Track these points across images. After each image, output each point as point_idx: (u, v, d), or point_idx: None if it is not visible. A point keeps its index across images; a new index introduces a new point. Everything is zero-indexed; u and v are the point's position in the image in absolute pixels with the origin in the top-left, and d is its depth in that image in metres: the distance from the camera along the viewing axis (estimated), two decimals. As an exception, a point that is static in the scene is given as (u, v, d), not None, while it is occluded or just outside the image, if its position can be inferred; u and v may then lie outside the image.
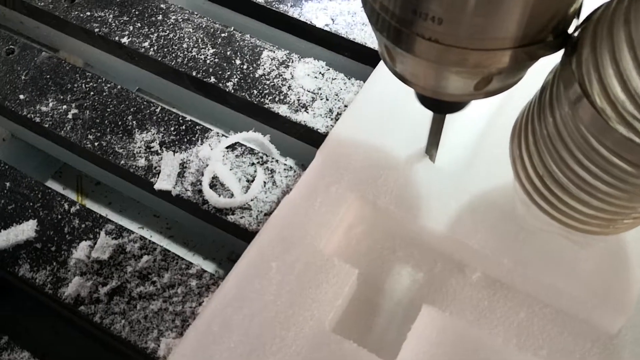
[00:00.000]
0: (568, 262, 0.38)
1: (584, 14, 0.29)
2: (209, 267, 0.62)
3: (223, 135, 0.53)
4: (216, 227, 0.51)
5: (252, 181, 0.50)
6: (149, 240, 0.48)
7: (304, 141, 0.55)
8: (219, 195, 0.49)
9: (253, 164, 0.51)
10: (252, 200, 0.49)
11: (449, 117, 0.38)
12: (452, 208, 0.40)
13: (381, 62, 0.49)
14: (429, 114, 0.40)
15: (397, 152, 0.43)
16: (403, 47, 0.29)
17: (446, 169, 0.42)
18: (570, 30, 0.29)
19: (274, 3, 0.63)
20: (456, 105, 0.35)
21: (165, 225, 0.66)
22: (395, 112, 0.45)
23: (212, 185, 0.50)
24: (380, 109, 0.45)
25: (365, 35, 0.60)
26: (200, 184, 0.50)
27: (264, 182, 0.50)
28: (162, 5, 0.63)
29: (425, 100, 0.35)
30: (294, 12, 0.62)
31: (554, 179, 0.32)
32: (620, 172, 0.28)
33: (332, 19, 0.61)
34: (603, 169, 0.29)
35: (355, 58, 0.61)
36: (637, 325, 0.37)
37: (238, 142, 0.53)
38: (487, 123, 0.44)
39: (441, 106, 0.36)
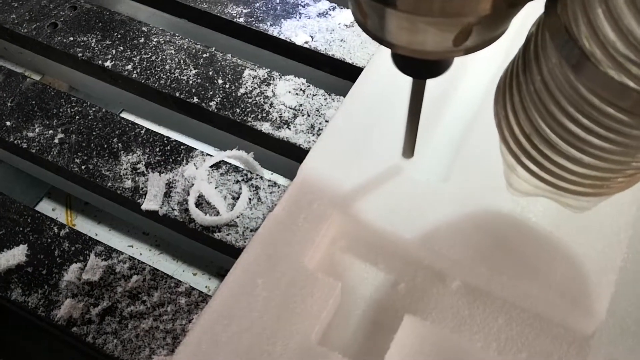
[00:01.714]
0: (543, 269, 0.39)
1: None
2: (200, 282, 0.63)
3: (207, 154, 0.55)
4: (204, 245, 0.52)
5: (238, 198, 0.51)
6: (138, 260, 0.49)
7: (287, 157, 0.56)
8: (205, 214, 0.50)
9: (238, 181, 0.53)
10: (237, 217, 0.50)
11: (426, 129, 0.39)
12: (431, 219, 0.42)
13: (361, 77, 0.50)
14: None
15: (377, 166, 0.44)
16: (381, 1, 0.27)
17: (425, 181, 0.43)
18: None
19: (253, 22, 0.64)
20: (435, 67, 0.33)
21: (154, 243, 0.67)
22: (375, 126, 0.46)
23: (198, 204, 0.51)
24: (361, 123, 0.47)
25: (344, 51, 0.62)
26: (187, 203, 0.51)
27: (249, 199, 0.52)
28: (143, 29, 0.64)
29: (403, 63, 0.33)
30: (273, 31, 0.63)
31: (542, 137, 0.30)
32: (613, 122, 0.26)
33: (311, 36, 0.63)
34: (595, 120, 0.27)
35: (335, 74, 0.62)
36: (612, 326, 0.39)
37: (223, 161, 0.54)
38: (465, 134, 0.46)
39: (420, 69, 0.33)
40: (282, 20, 0.64)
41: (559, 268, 0.39)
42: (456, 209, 0.42)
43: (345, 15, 0.64)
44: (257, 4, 0.66)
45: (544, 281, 0.39)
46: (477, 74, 0.49)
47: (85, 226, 0.68)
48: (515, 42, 0.34)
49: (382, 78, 0.49)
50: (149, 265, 0.49)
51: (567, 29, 0.26)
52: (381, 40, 0.31)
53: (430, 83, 0.35)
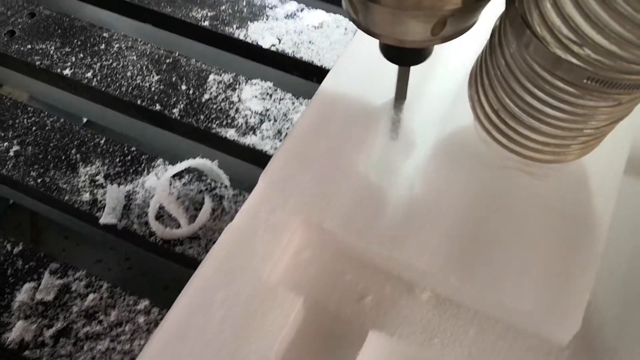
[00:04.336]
0: (515, 277, 0.37)
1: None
2: (172, 297, 0.61)
3: (170, 163, 0.52)
4: (166, 259, 0.50)
5: (200, 209, 0.49)
6: (96, 277, 0.47)
7: (253, 164, 0.54)
8: (165, 227, 0.48)
9: (201, 191, 0.50)
10: (200, 229, 0.48)
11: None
12: (399, 228, 0.40)
13: (326, 79, 0.48)
14: (376, 132, 0.43)
15: (343, 172, 0.42)
16: None
17: (392, 189, 0.41)
18: None
19: (219, 25, 0.62)
20: (418, 55, 0.38)
21: (123, 257, 0.64)
22: (340, 130, 0.44)
23: (159, 217, 0.49)
24: (326, 127, 0.44)
25: (313, 53, 0.59)
26: (147, 215, 0.49)
27: (213, 210, 0.49)
28: (105, 34, 0.61)
29: (390, 52, 0.38)
30: (239, 34, 0.61)
31: (508, 111, 0.36)
32: (562, 93, 0.32)
33: (279, 39, 0.61)
34: (548, 92, 0.32)
35: (303, 76, 0.60)
36: (587, 337, 0.37)
37: (186, 170, 0.52)
38: (432, 145, 0.44)
39: (405, 57, 0.38)
40: (249, 22, 0.62)
41: (532, 277, 0.37)
42: (424, 217, 0.40)
43: (314, 16, 0.62)
44: (223, 7, 0.64)
45: (516, 290, 0.37)
46: (454, 65, 0.48)
47: (52, 242, 0.65)
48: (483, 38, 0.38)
49: (348, 80, 0.47)
50: (107, 283, 0.46)
51: (523, 18, 0.31)
52: (370, 32, 0.35)
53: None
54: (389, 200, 0.41)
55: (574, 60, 0.29)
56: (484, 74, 0.37)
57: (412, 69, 0.41)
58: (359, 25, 0.36)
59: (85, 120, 0.66)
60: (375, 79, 0.46)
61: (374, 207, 0.41)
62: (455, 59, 0.48)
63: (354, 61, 0.48)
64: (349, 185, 0.41)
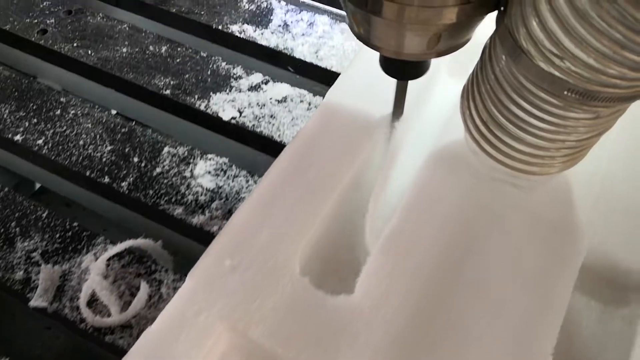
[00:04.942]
0: (477, 335, 0.35)
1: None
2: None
3: (111, 242, 0.50)
4: (98, 347, 0.47)
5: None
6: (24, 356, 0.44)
7: (200, 244, 0.52)
8: (97, 313, 0.45)
9: (139, 274, 0.48)
10: (134, 317, 0.45)
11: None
12: (333, 338, 0.37)
13: (274, 165, 0.46)
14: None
15: (279, 270, 0.39)
16: (369, 10, 0.35)
17: (324, 294, 0.39)
18: None
19: (180, 95, 0.60)
20: (415, 69, 0.41)
21: (54, 338, 0.61)
22: (281, 224, 0.42)
23: (93, 301, 0.46)
24: (263, 221, 0.42)
25: (273, 128, 0.58)
26: (79, 299, 0.46)
27: (149, 296, 0.47)
28: (62, 99, 0.60)
29: (389, 66, 0.41)
30: (200, 104, 0.60)
31: (495, 122, 0.38)
32: (545, 104, 0.34)
33: (240, 111, 0.59)
34: (532, 103, 0.35)
35: (263, 150, 0.58)
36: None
37: (127, 250, 0.49)
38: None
39: (403, 70, 0.41)
40: (211, 93, 0.61)
41: (494, 333, 0.35)
42: (363, 325, 0.37)
43: (278, 90, 0.61)
44: (187, 75, 0.62)
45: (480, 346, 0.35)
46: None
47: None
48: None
49: (295, 162, 0.45)
50: (29, 372, 0.44)
51: (511, 34, 0.34)
52: (370, 44, 0.38)
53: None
54: (325, 304, 0.39)
55: (556, 73, 0.32)
56: (475, 88, 0.39)
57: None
58: (360, 38, 0.39)
59: (38, 185, 0.64)
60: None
61: (307, 313, 0.38)
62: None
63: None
64: (284, 285, 0.39)
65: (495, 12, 0.36)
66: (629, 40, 0.28)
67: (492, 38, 0.37)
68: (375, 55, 0.41)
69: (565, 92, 0.32)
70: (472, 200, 0.43)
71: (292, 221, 0.41)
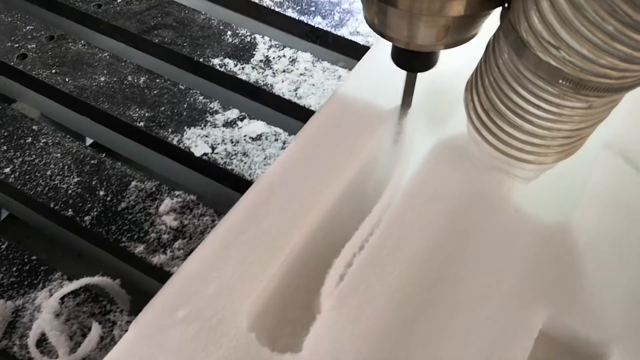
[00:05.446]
0: None
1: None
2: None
3: (69, 278, 0.49)
4: (45, 387, 0.46)
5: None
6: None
7: (161, 283, 0.51)
8: (44, 355, 0.44)
9: (93, 314, 0.47)
10: (82, 359, 0.44)
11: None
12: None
13: (234, 210, 0.45)
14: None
15: (223, 327, 0.38)
16: (384, 1, 0.38)
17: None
18: None
19: (154, 128, 0.60)
20: (424, 62, 0.44)
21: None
22: (231, 275, 0.41)
23: (42, 340, 0.45)
24: (211, 270, 0.41)
25: (244, 166, 0.57)
26: (29, 338, 0.45)
27: (101, 338, 0.46)
28: (34, 127, 0.60)
29: (400, 57, 0.44)
30: (173, 139, 0.59)
31: (496, 110, 0.40)
32: (542, 92, 0.37)
33: (213, 147, 0.59)
34: (530, 91, 0.37)
35: (233, 188, 0.58)
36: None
37: (84, 287, 0.48)
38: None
39: (413, 62, 0.44)
40: (186, 127, 0.60)
41: None
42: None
43: (254, 127, 0.60)
44: (163, 108, 0.62)
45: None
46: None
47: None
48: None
49: (253, 208, 0.44)
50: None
51: (513, 27, 0.36)
52: (384, 35, 0.42)
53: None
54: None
55: (552, 62, 0.34)
56: (479, 80, 0.42)
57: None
58: (375, 29, 0.42)
59: (7, 213, 0.63)
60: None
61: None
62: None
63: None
64: (229, 341, 0.38)
65: (500, 10, 0.40)
66: (619, 32, 0.30)
67: (496, 33, 0.40)
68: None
69: (561, 81, 0.35)
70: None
71: (243, 273, 0.40)
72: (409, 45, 0.41)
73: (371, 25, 0.42)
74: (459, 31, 0.40)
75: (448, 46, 0.41)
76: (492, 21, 0.41)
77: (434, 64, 0.44)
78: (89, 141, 0.73)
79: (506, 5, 0.38)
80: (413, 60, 0.44)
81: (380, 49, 0.43)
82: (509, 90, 0.39)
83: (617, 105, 0.40)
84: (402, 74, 0.47)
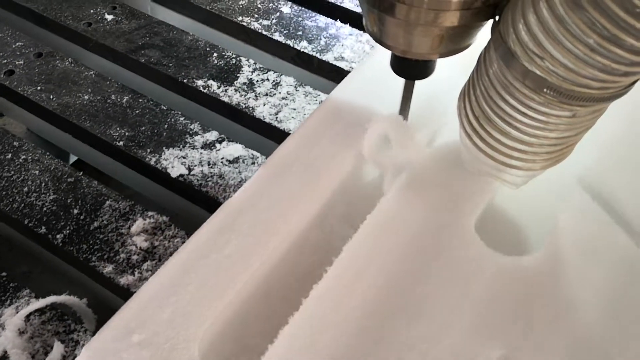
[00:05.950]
0: None
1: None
2: None
3: (36, 296, 0.50)
4: (5, 405, 0.46)
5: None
6: None
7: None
8: (4, 373, 0.45)
9: (57, 332, 0.47)
10: (42, 379, 0.45)
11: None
12: None
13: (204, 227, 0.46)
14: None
15: (175, 355, 0.38)
16: (383, 10, 0.40)
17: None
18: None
19: (133, 147, 0.61)
20: (422, 69, 0.46)
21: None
22: (188, 301, 0.41)
23: (4, 358, 0.46)
24: (168, 294, 0.41)
25: (220, 189, 0.58)
26: (-9, 355, 0.46)
27: (63, 357, 0.46)
28: (15, 143, 0.60)
29: (398, 65, 0.46)
30: (151, 159, 0.60)
31: (486, 117, 0.42)
32: (528, 100, 0.38)
33: (189, 169, 0.59)
34: (518, 99, 0.39)
35: (208, 209, 0.58)
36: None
37: (50, 305, 0.49)
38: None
39: (411, 70, 0.46)
40: (164, 148, 0.61)
41: None
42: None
43: (232, 150, 0.61)
44: (143, 128, 0.63)
45: None
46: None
47: None
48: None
49: (215, 231, 0.45)
50: None
51: (502, 38, 0.38)
52: (383, 43, 0.44)
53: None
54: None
55: (537, 71, 0.36)
56: (471, 89, 0.44)
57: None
58: (374, 37, 0.44)
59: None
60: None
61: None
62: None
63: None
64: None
65: (491, 23, 0.42)
66: (599, 45, 0.32)
67: (487, 45, 0.42)
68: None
69: (545, 90, 0.36)
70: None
71: (200, 299, 0.40)
72: (406, 53, 0.43)
73: (371, 33, 0.45)
74: (453, 41, 0.42)
75: (443, 55, 0.43)
76: (483, 34, 0.43)
77: (432, 72, 0.47)
78: (73, 158, 0.74)
79: (497, 18, 0.41)
80: (410, 67, 0.46)
81: (360, 72, 0.46)
82: (498, 99, 0.40)
83: (596, 140, 0.44)
84: (380, 96, 0.52)
